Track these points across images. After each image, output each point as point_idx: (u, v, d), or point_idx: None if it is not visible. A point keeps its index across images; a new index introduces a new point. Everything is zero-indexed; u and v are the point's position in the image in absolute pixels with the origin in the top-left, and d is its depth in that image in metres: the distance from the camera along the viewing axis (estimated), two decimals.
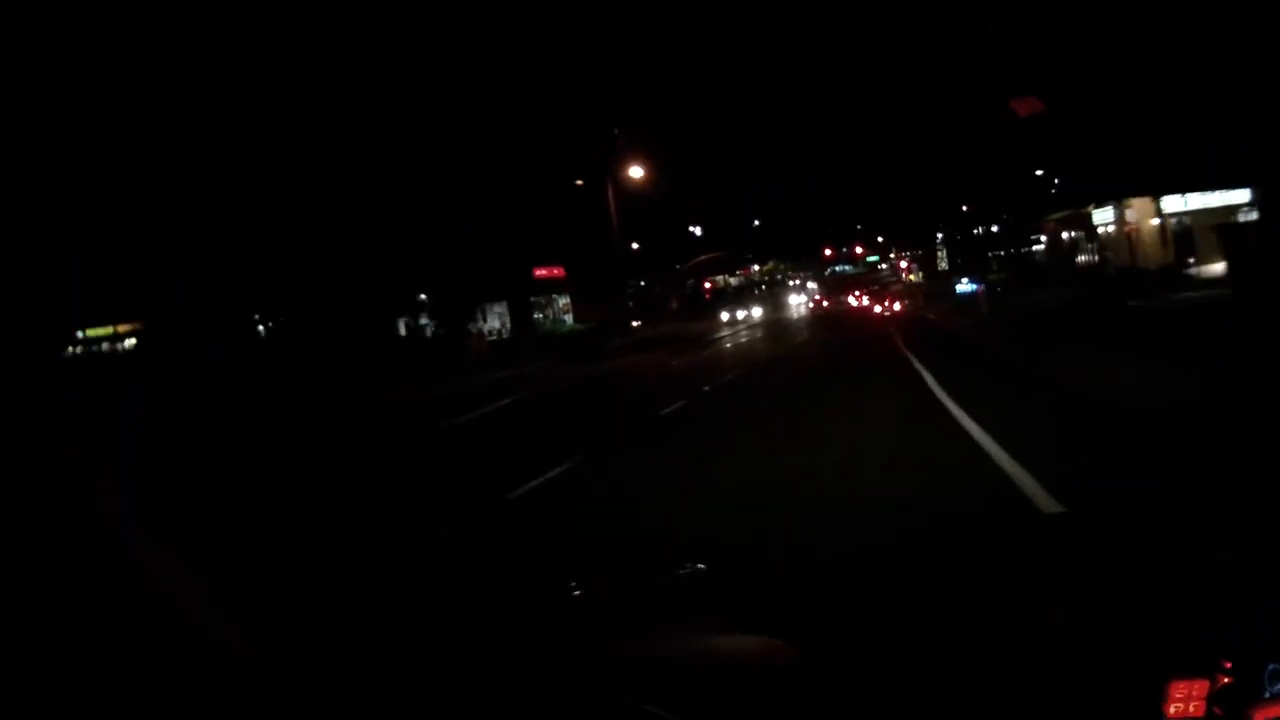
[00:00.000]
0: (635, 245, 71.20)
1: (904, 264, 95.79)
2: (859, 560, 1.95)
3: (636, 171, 37.36)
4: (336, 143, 33.13)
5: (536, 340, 47.79)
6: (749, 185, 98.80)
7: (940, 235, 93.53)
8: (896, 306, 52.45)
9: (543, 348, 42.42)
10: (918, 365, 17.11)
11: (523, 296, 52.25)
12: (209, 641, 1.06)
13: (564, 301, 60.01)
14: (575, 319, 58.94)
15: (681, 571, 1.77)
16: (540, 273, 54.42)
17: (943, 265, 53.84)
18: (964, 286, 59.20)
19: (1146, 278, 28.84)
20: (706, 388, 18.27)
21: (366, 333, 40.89)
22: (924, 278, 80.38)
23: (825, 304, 67.38)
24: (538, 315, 57.12)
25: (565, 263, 56.79)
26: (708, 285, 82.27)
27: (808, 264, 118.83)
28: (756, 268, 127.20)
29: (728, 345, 35.67)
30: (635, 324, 59.45)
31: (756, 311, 57.59)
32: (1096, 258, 42.85)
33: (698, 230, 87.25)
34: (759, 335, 39.41)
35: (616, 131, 34.67)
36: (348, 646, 1.55)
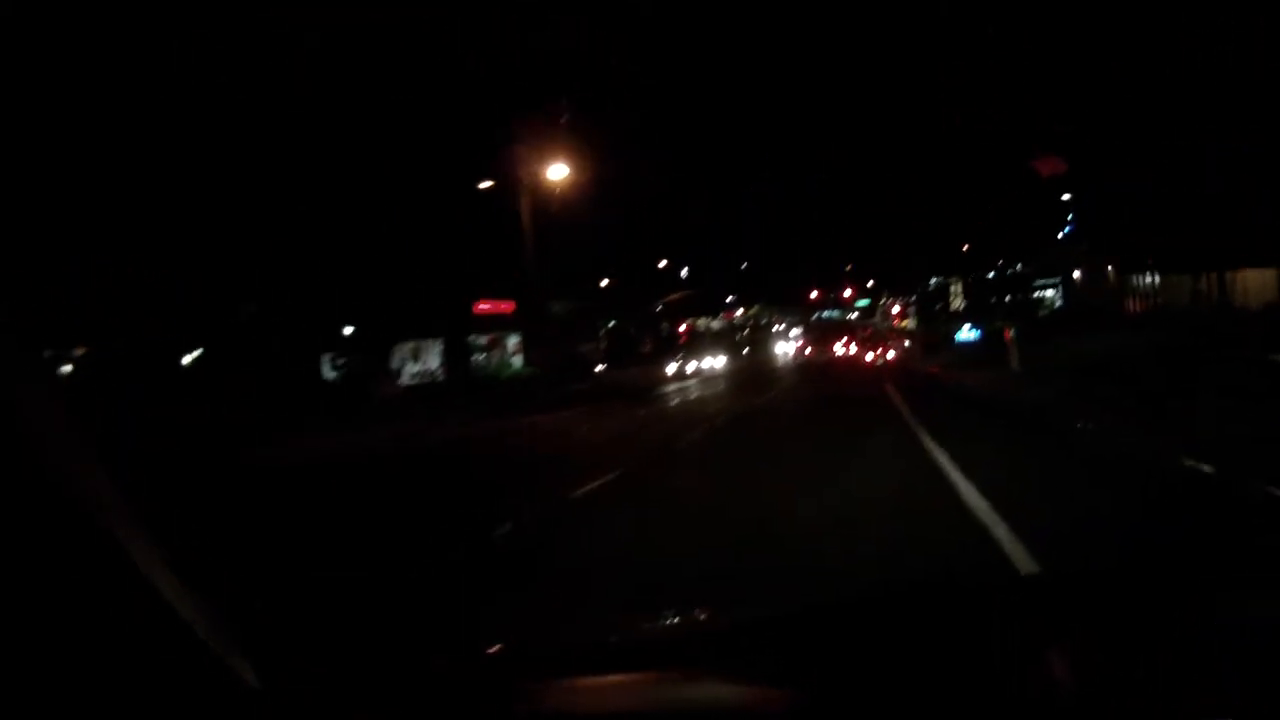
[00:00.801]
0: (606, 281, 65.22)
1: (896, 308, 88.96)
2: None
3: (559, 172, 30.13)
4: (258, 155, 29.54)
5: (469, 385, 41.13)
6: (734, 221, 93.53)
7: (934, 280, 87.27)
8: (890, 355, 45.95)
9: (474, 394, 36.07)
10: (950, 471, 8.98)
11: (459, 334, 45.38)
12: (206, 646, 1.10)
13: (514, 341, 52.94)
14: (526, 361, 51.95)
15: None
16: (484, 307, 47.54)
17: (957, 304, 47.15)
18: (965, 334, 52.77)
19: (1252, 319, 21.84)
20: (638, 458, 12.89)
21: (284, 372, 34.82)
22: (919, 324, 73.87)
23: (809, 351, 60.55)
24: (480, 357, 50.10)
25: (518, 297, 49.97)
26: (683, 328, 75.61)
27: (795, 309, 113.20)
28: (741, 311, 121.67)
29: (685, 398, 29.03)
30: (600, 368, 53.08)
31: (720, 361, 50.43)
32: (1159, 298, 35.68)
33: (684, 272, 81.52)
34: (723, 389, 32.63)
35: (564, 111, 28.07)
36: None
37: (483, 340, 50.99)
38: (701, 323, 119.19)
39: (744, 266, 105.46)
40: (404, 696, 1.41)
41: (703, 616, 2.12)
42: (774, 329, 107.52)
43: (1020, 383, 19.00)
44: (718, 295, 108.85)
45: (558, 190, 32.97)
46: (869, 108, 52.75)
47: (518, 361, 52.51)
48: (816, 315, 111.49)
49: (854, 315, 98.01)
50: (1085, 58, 26.47)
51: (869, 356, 47.29)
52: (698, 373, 46.21)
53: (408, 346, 47.44)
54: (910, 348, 51.47)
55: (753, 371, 42.79)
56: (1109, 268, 43.56)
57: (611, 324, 69.01)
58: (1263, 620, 1.52)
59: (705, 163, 64.14)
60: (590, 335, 65.30)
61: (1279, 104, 21.61)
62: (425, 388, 41.71)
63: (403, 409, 32.38)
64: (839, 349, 57.67)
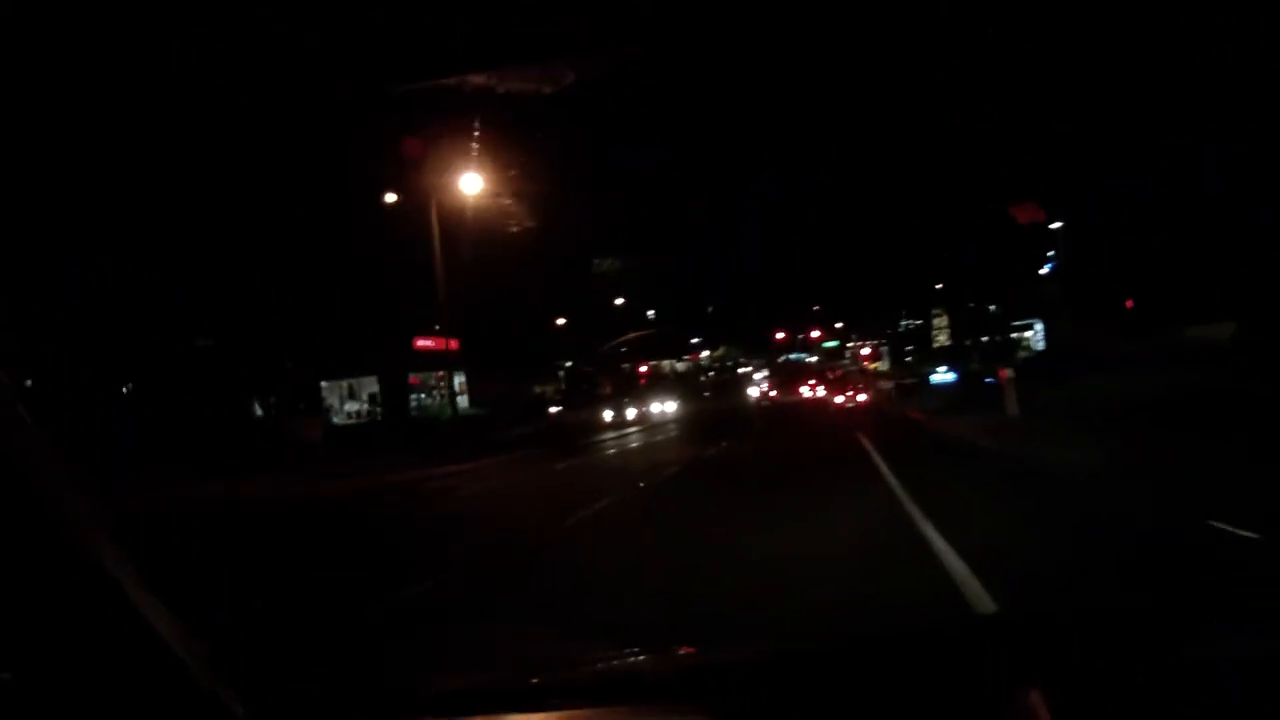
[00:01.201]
0: (561, 320, 62.00)
1: (866, 350, 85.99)
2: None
3: (472, 184, 26.60)
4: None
5: (405, 426, 37.60)
6: (702, 260, 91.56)
7: (904, 322, 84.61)
8: (861, 398, 42.86)
9: (406, 436, 32.59)
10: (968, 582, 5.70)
11: (396, 371, 41.76)
12: (196, 682, 1.15)
13: (461, 379, 49.32)
14: (471, 400, 48.41)
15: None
16: (425, 343, 43.96)
17: (942, 338, 43.89)
18: (941, 375, 49.84)
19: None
20: (538, 532, 10.18)
21: (210, 410, 31.57)
22: (891, 365, 71.07)
23: (775, 394, 57.25)
24: (421, 396, 46.52)
25: (463, 335, 46.48)
26: (643, 369, 72.40)
27: (762, 351, 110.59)
28: (707, 353, 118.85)
29: (624, 448, 25.74)
30: (555, 410, 49.58)
31: (669, 406, 46.74)
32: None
33: (650, 313, 78.64)
34: (674, 437, 29.35)
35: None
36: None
37: (434, 378, 47.56)
38: (666, 364, 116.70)
39: (709, 310, 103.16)
40: None
41: (641, 658, 2.03)
42: (739, 371, 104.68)
43: (1030, 432, 15.62)
44: (683, 337, 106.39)
45: (489, 212, 29.64)
46: (839, 136, 50.44)
47: (464, 401, 48.95)
48: (784, 357, 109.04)
49: (814, 359, 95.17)
50: (1085, 58, 25.06)
51: (839, 399, 44.12)
52: (644, 418, 42.43)
53: (345, 384, 43.98)
54: (882, 390, 48.40)
55: (711, 416, 39.34)
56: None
57: (568, 364, 65.83)
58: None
59: (674, 195, 61.70)
60: (548, 376, 61.92)
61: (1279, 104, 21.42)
62: (356, 429, 38.06)
63: (312, 454, 29.01)
64: (806, 392, 54.53)
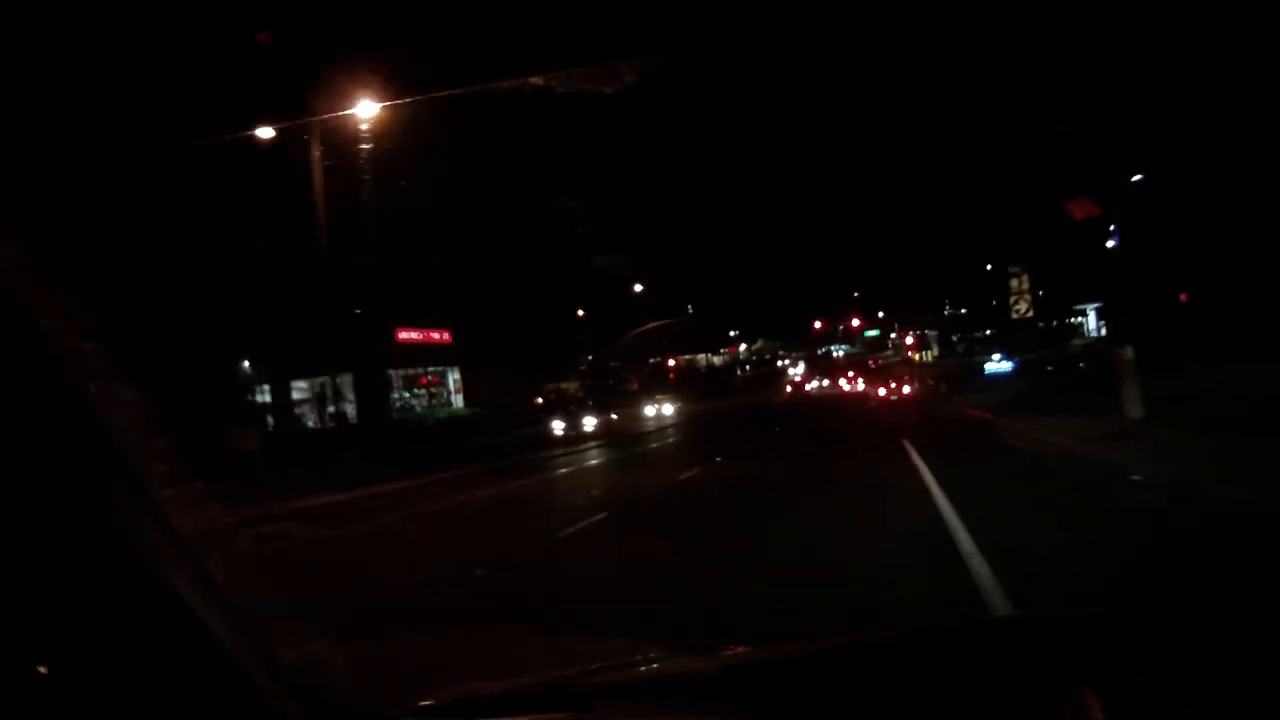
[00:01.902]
0: (581, 312, 56.81)
1: (910, 339, 79.55)
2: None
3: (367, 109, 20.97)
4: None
5: (383, 430, 32.55)
6: (738, 250, 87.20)
7: (947, 311, 78.50)
8: (905, 390, 37.40)
9: (381, 443, 27.49)
10: None
11: (371, 368, 36.82)
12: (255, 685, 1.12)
13: (456, 377, 44.32)
14: (466, 400, 43.45)
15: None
16: (409, 335, 38.99)
17: (1022, 307, 37.73)
18: (996, 364, 44.02)
19: None
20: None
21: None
22: (936, 356, 65.06)
23: (809, 389, 51.62)
24: (405, 395, 41.45)
25: (455, 325, 41.48)
26: (671, 363, 67.28)
27: (804, 343, 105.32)
28: (744, 346, 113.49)
29: (581, 464, 20.94)
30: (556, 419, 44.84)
31: (668, 409, 41.11)
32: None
33: (689, 308, 73.80)
34: (673, 444, 24.36)
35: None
36: None
37: (426, 375, 42.68)
38: (702, 358, 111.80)
39: (747, 297, 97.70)
40: None
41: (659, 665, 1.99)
42: (778, 364, 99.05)
43: (1202, 453, 9.18)
44: (720, 329, 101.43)
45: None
46: (876, 118, 47.06)
47: (459, 401, 44.00)
48: (826, 349, 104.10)
49: (856, 350, 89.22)
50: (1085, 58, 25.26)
51: (880, 392, 38.49)
52: (631, 422, 36.14)
53: (320, 383, 39.08)
54: (929, 384, 42.85)
55: (724, 417, 33.83)
56: None
57: (590, 358, 60.75)
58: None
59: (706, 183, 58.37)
60: (566, 371, 56.46)
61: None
62: (315, 436, 33.08)
63: (246, 469, 24.12)
64: (844, 385, 48.90)
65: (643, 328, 55.08)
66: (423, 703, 1.69)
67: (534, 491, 15.61)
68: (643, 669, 1.91)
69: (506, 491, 15.38)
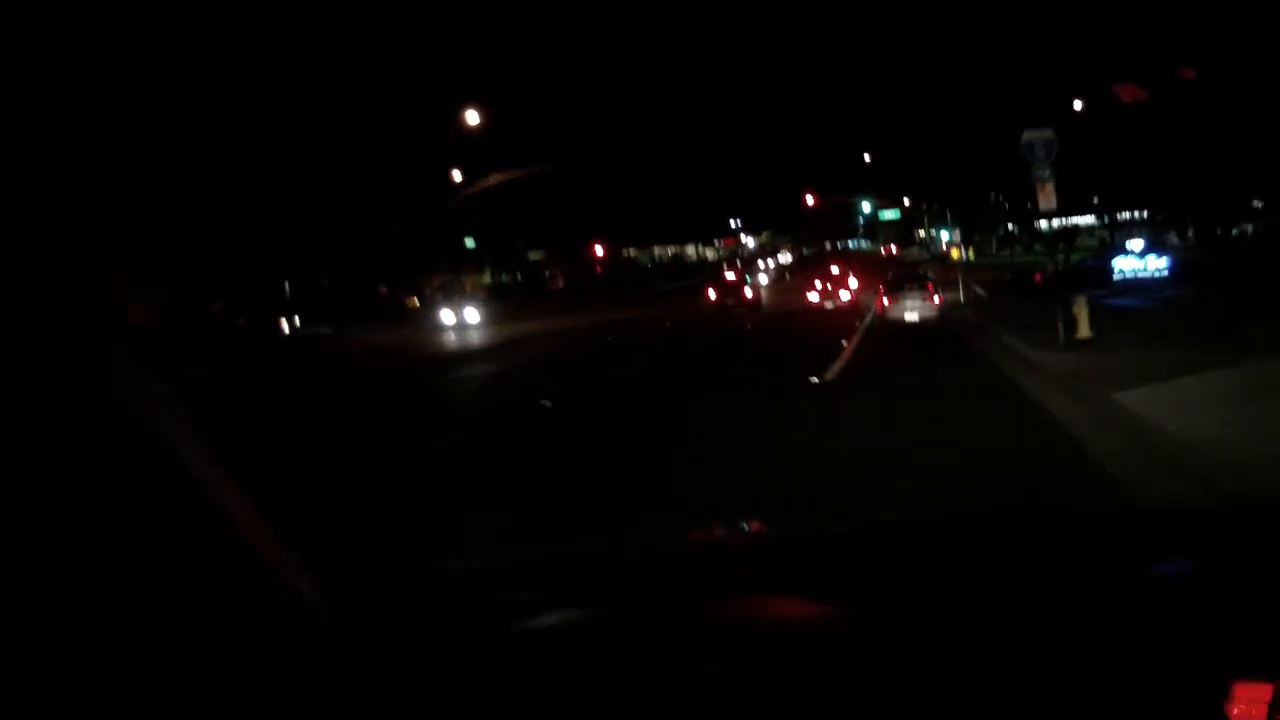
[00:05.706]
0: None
1: (945, 237, 61.70)
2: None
3: None
4: None
5: None
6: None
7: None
8: (937, 300, 21.48)
9: None
10: None
11: None
12: (277, 584, 1.07)
13: None
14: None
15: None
16: None
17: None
18: (1133, 261, 27.80)
19: None
20: None
21: None
22: (976, 254, 48.75)
23: (747, 294, 34.72)
24: None
25: None
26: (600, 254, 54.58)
27: (816, 238, 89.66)
28: (751, 240, 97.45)
29: None
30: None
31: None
32: None
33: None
34: None
35: None
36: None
37: None
38: (691, 250, 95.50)
39: (742, 178, 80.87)
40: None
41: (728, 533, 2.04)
42: (779, 259, 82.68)
43: None
44: (714, 215, 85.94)
45: None
46: None
47: None
48: (841, 245, 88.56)
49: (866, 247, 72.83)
50: None
51: (911, 313, 21.78)
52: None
53: None
54: (977, 294, 26.91)
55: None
56: None
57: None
58: None
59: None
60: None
61: None
62: None
63: None
64: (814, 294, 32.22)
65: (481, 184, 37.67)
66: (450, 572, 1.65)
67: None
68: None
69: None
